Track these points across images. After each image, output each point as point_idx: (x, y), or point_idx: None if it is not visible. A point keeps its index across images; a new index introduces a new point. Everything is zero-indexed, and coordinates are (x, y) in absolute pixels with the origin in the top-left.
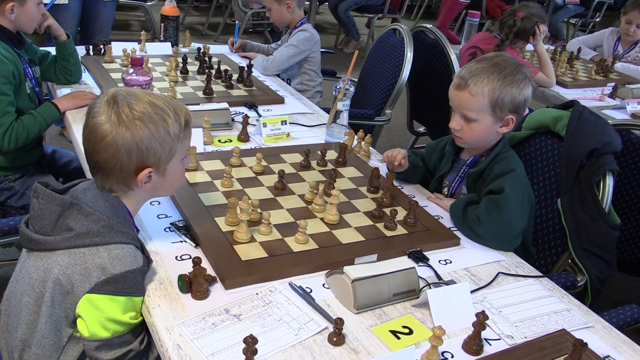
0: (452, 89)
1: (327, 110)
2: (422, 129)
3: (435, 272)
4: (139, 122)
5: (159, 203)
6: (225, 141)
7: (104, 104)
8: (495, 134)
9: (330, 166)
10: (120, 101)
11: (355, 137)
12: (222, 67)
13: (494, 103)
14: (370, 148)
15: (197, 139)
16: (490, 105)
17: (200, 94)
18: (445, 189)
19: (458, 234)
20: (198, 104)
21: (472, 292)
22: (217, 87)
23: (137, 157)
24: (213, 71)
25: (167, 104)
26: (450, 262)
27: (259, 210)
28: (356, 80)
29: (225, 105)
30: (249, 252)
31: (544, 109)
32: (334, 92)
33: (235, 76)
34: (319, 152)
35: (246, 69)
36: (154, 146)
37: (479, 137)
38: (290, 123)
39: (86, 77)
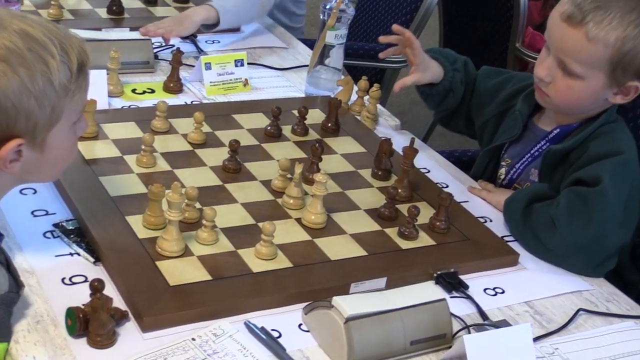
0: (555, 17)
1: (311, 45)
2: None
3: (479, 307)
4: (1, 65)
5: (35, 192)
6: (144, 92)
7: None
8: (603, 101)
9: (313, 135)
10: None
11: (355, 88)
12: None
13: (618, 60)
14: (379, 106)
15: (97, 88)
16: (610, 62)
17: (102, 12)
18: (503, 170)
19: (516, 246)
20: (99, 30)
21: (535, 339)
22: (130, 1)
23: None
24: None
25: (48, 34)
26: (503, 291)
27: (197, 206)
28: None
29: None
30: (182, 272)
31: None
32: (321, 16)
33: None
34: (296, 113)
35: None
36: (26, 104)
37: (576, 103)
38: (249, 64)
39: None
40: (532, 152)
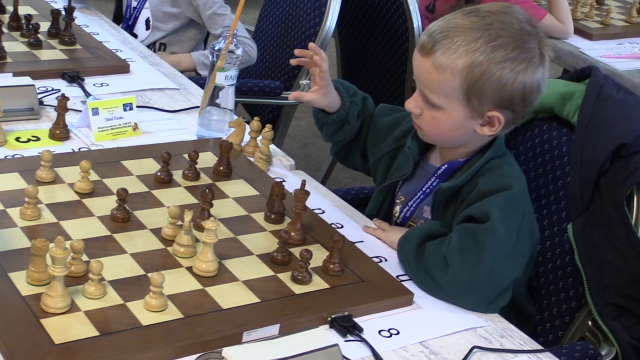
0: (415, 50)
1: (204, 84)
2: None
3: (373, 350)
4: None
5: None
6: (29, 140)
7: None
8: (472, 134)
9: (205, 179)
10: None
11: (247, 128)
12: (23, 11)
13: (468, 88)
14: (273, 146)
15: None
16: (462, 91)
17: None
18: (398, 208)
19: (411, 285)
20: None
21: None
22: (14, 44)
23: None
24: (5, 17)
25: None
26: (398, 332)
27: (84, 259)
28: (251, 30)
29: (27, 79)
30: (68, 329)
31: (548, 81)
32: (210, 57)
33: (45, 26)
34: (187, 157)
35: (64, 12)
36: None
37: (444, 134)
38: (139, 107)
39: None
40: (423, 189)
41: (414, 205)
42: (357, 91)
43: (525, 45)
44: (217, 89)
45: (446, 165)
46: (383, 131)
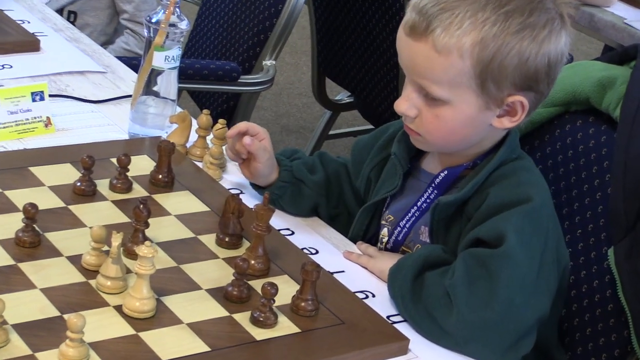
0: (400, 32)
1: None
2: (344, 95)
3: None
4: None
5: None
6: None
7: None
8: (487, 129)
9: (139, 191)
10: None
11: (195, 124)
12: None
13: (482, 70)
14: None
15: None
16: (475, 75)
17: None
18: (386, 230)
19: (406, 328)
20: None
21: None
22: None
23: None
24: None
25: None
26: None
27: None
28: (198, 1)
29: None
30: None
31: (581, 64)
32: (145, 32)
33: None
34: (115, 162)
35: None
36: None
37: (454, 136)
38: (52, 96)
39: None
40: (418, 204)
41: (407, 226)
42: (300, 151)
43: (544, 6)
44: (154, 73)
45: (446, 172)
46: (364, 152)
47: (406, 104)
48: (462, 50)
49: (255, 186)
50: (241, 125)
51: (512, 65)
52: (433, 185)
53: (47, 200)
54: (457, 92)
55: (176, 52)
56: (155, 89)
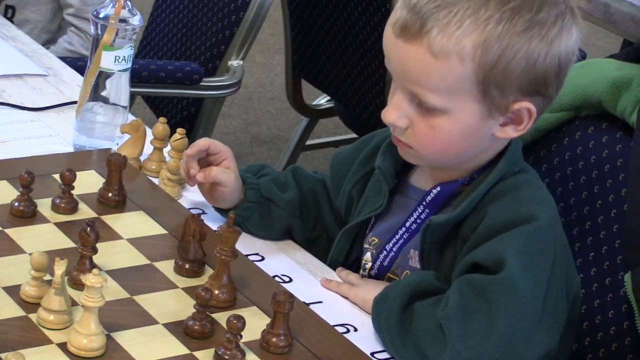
0: (389, 32)
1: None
2: (323, 99)
3: None
4: None
5: None
6: None
7: None
8: (488, 140)
9: (85, 212)
10: None
11: (150, 134)
12: None
13: (486, 75)
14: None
15: None
16: (477, 80)
17: None
18: (369, 254)
19: None
20: None
21: None
22: None
23: None
24: None
25: None
26: None
27: None
28: None
29: None
30: None
31: (594, 63)
32: (92, 29)
33: None
34: (58, 178)
35: None
36: None
37: (451, 149)
38: None
39: None
40: (407, 225)
41: (394, 250)
42: (268, 166)
43: (552, 0)
44: (103, 76)
45: (439, 189)
46: (345, 166)
47: (396, 114)
48: (462, 53)
49: (218, 209)
50: (201, 143)
51: (519, 68)
52: (424, 203)
53: None
54: (456, 100)
55: (128, 51)
56: (104, 94)
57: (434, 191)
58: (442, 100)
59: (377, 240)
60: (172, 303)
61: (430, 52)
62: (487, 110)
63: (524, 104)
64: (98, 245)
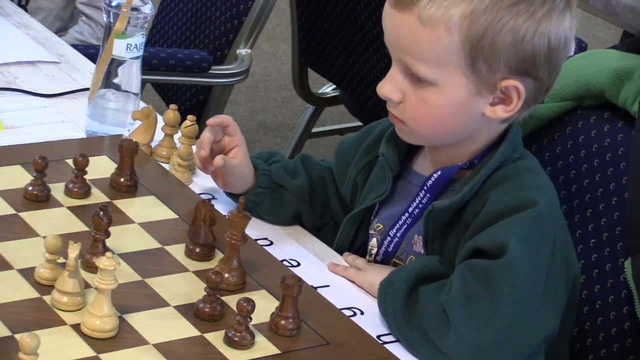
0: (386, 5)
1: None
2: (328, 88)
3: None
4: None
5: None
6: None
7: None
8: (479, 119)
9: (98, 196)
10: None
11: (160, 121)
12: None
13: (472, 47)
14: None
15: None
16: (464, 52)
17: None
18: (375, 240)
19: (398, 349)
20: None
21: None
22: None
23: None
24: None
25: None
26: None
27: None
28: None
29: None
30: None
31: (596, 53)
32: (105, 17)
33: None
34: (71, 163)
35: None
36: None
37: (440, 124)
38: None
39: None
40: (410, 210)
41: (398, 235)
42: (279, 153)
43: None
44: (115, 64)
45: (439, 173)
46: (350, 154)
47: (389, 86)
48: (449, 23)
49: (229, 194)
50: (225, 117)
51: (506, 43)
52: (425, 188)
53: None
54: (445, 73)
55: (139, 39)
56: (115, 81)
57: (435, 176)
58: (431, 71)
59: (381, 226)
60: (183, 286)
61: (419, 21)
62: (476, 86)
63: (512, 82)
64: (110, 229)
